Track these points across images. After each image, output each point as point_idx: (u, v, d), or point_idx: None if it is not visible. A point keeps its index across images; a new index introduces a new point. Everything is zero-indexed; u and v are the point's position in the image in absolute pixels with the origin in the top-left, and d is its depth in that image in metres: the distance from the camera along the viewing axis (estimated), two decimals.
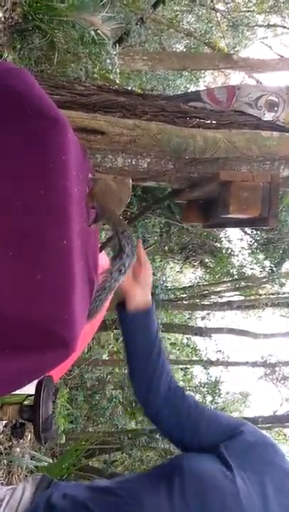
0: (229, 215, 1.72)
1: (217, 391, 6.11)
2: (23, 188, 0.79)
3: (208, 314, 8.08)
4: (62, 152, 0.83)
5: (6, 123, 0.82)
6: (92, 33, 3.30)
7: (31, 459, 3.60)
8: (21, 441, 3.72)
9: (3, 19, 3.39)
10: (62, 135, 0.84)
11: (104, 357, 6.41)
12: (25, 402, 1.22)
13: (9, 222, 0.78)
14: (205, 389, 6.23)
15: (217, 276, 7.39)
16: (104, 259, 1.65)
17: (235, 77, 8.51)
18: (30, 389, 1.11)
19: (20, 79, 0.82)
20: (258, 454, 0.79)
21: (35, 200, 0.79)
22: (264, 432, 0.90)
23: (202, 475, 0.75)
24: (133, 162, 1.71)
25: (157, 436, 4.91)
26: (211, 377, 6.50)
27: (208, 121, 1.82)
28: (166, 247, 6.02)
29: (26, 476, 3.89)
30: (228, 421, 0.89)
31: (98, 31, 3.32)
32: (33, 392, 1.17)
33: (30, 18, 3.27)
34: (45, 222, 0.79)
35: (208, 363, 6.71)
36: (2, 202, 0.80)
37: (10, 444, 3.76)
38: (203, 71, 7.04)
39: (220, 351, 7.30)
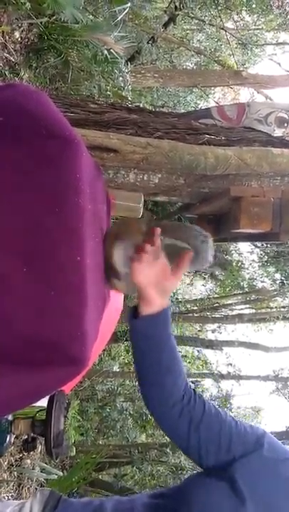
0: (240, 230, 1.74)
1: (228, 405, 6.04)
2: (38, 206, 0.81)
3: (218, 327, 8.02)
4: (76, 170, 0.83)
5: (21, 143, 0.84)
6: (105, 51, 3.40)
7: (41, 472, 3.59)
8: (32, 452, 3.71)
9: (19, 39, 3.51)
10: (76, 154, 0.84)
11: (115, 369, 6.40)
12: (38, 416, 1.22)
13: (23, 239, 0.79)
14: (216, 403, 6.15)
15: (228, 289, 7.37)
16: None
17: (245, 94, 8.61)
18: (42, 402, 1.11)
19: (35, 100, 0.82)
20: (276, 473, 0.75)
21: (50, 218, 0.80)
22: None
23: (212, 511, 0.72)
24: (144, 178, 1.75)
25: (168, 450, 4.86)
26: (222, 390, 6.43)
27: (219, 138, 1.86)
28: None
29: (36, 488, 3.87)
30: (251, 433, 0.80)
31: (111, 50, 3.42)
32: (45, 406, 1.17)
33: (46, 38, 3.39)
34: (59, 239, 0.80)
35: (219, 377, 6.64)
36: (17, 219, 0.80)
37: (20, 455, 3.76)
38: (212, 87, 7.15)
39: (231, 364, 7.24)
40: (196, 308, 7.74)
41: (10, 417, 1.24)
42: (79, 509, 0.84)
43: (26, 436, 1.26)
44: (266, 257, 5.98)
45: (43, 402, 1.17)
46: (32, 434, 1.23)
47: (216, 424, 0.80)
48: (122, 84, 3.83)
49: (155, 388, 0.84)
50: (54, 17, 3.16)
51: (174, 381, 0.83)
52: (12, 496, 3.63)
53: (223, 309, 7.92)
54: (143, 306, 0.83)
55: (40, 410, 1.23)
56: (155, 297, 0.83)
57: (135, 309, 0.86)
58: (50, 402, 1.15)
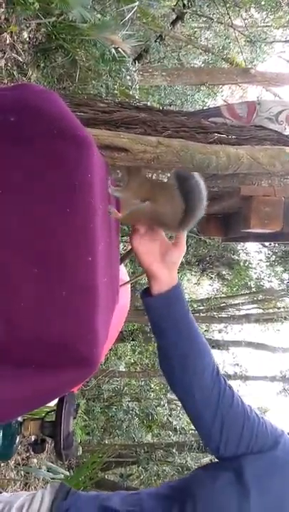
0: (250, 230, 1.72)
1: None
2: (49, 206, 0.80)
3: (225, 327, 7.99)
4: (88, 170, 0.81)
5: (32, 143, 0.84)
6: (113, 50, 3.40)
7: (48, 471, 3.60)
8: None
9: (27, 39, 3.52)
10: (88, 154, 0.84)
11: (121, 368, 6.40)
12: (47, 417, 1.22)
13: (34, 240, 0.79)
14: None
15: (235, 289, 7.34)
16: (122, 272, 1.67)
17: (253, 92, 8.56)
18: (51, 402, 1.10)
19: (46, 99, 0.82)
20: (284, 473, 0.76)
21: (61, 218, 0.79)
22: None
23: (216, 506, 0.74)
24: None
25: (174, 450, 4.86)
26: None
27: (229, 137, 1.84)
28: (183, 259, 6.01)
29: (43, 487, 3.88)
30: (271, 432, 0.81)
31: (118, 49, 3.42)
32: (54, 406, 1.17)
33: (54, 37, 3.40)
34: (71, 239, 0.79)
35: (225, 377, 6.61)
36: (27, 220, 0.81)
37: (27, 455, 3.78)
38: (220, 85, 7.11)
39: (238, 365, 7.21)
40: (202, 307, 7.72)
41: (19, 418, 1.24)
42: (87, 500, 0.88)
43: (35, 438, 1.26)
44: (274, 256, 5.95)
45: (52, 403, 1.17)
46: (41, 436, 1.23)
47: (241, 418, 0.81)
48: (130, 83, 3.83)
49: (171, 368, 0.85)
50: (62, 17, 3.16)
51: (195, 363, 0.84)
52: None
53: (230, 309, 7.88)
54: (153, 285, 0.86)
55: (50, 411, 1.22)
56: (162, 272, 0.86)
57: (147, 290, 0.88)
58: (60, 403, 1.15)
